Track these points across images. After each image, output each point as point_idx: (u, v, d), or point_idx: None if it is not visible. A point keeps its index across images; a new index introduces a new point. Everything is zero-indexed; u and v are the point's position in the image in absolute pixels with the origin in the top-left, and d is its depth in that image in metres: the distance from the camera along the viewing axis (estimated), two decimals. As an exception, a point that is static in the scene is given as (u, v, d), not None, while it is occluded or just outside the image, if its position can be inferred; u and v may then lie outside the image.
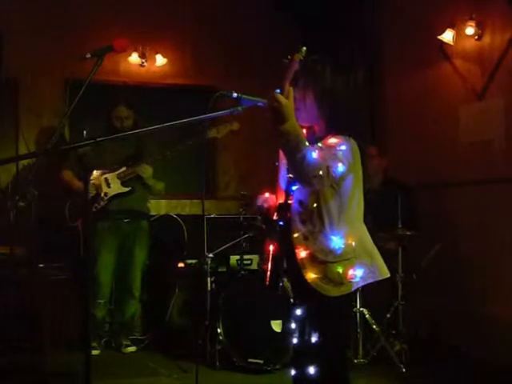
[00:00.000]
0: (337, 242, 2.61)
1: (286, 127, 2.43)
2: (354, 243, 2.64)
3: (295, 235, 2.66)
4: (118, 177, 5.30)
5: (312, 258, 2.63)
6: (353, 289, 2.65)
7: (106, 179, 5.30)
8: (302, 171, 2.49)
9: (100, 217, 5.22)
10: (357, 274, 2.63)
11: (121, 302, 5.44)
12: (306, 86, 2.70)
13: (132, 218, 5.38)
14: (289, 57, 2.66)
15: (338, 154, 2.52)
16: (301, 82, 2.73)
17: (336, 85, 2.68)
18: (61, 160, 5.37)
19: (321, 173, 2.45)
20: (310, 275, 2.62)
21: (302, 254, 2.64)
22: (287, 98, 2.46)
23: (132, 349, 5.33)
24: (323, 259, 2.61)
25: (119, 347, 5.34)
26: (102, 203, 5.25)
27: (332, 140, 2.60)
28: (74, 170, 5.28)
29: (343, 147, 2.55)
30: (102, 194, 5.26)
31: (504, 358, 4.72)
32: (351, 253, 2.63)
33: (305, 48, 2.66)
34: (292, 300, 2.83)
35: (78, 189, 5.21)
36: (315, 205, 2.62)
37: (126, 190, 5.32)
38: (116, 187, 5.31)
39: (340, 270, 2.61)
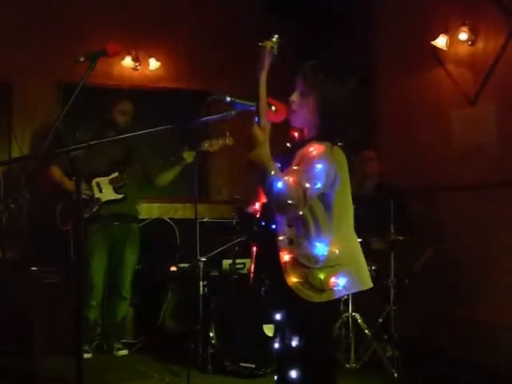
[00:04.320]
0: (320, 248, 2.60)
1: (251, 155, 2.52)
2: (337, 251, 2.62)
3: (280, 238, 2.66)
4: (110, 182, 5.27)
5: (295, 262, 2.62)
6: (335, 297, 2.64)
7: (97, 183, 5.24)
8: (271, 200, 2.57)
9: (91, 220, 5.19)
10: (339, 283, 2.61)
11: (112, 305, 5.42)
12: (307, 93, 2.71)
13: (122, 222, 5.36)
14: (260, 44, 2.64)
15: (314, 172, 2.55)
16: (300, 88, 2.73)
17: (336, 92, 2.69)
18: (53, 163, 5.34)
19: (290, 202, 2.50)
20: (292, 279, 2.61)
21: (286, 257, 2.64)
22: (263, 128, 2.54)
23: (124, 352, 5.31)
24: (306, 264, 2.61)
25: (111, 350, 5.32)
26: (93, 209, 5.19)
27: (312, 151, 2.61)
28: (63, 166, 5.19)
29: (319, 166, 2.56)
30: (94, 200, 5.21)
31: (496, 361, 4.73)
32: (334, 260, 2.62)
33: (277, 36, 2.65)
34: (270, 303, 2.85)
35: (69, 189, 5.14)
36: (301, 212, 2.62)
37: (119, 197, 5.28)
38: (108, 193, 5.26)
39: (322, 277, 2.60)
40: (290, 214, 2.60)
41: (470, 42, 5.18)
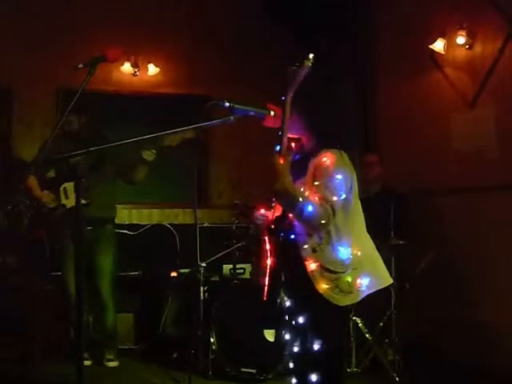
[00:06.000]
0: (344, 252, 2.67)
1: (276, 186, 2.53)
2: (359, 253, 2.71)
3: (304, 247, 2.70)
4: None
5: (322, 269, 2.68)
6: (360, 298, 2.72)
7: (64, 189, 5.04)
8: (304, 224, 2.63)
9: (61, 226, 4.95)
10: (363, 283, 2.69)
11: (98, 314, 5.22)
12: (293, 100, 2.71)
13: (93, 226, 5.05)
14: (297, 64, 2.63)
15: (336, 184, 2.61)
16: (289, 96, 2.73)
17: (324, 98, 2.72)
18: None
19: (323, 221, 2.57)
20: (322, 286, 2.66)
21: (312, 266, 2.68)
22: (284, 156, 2.55)
23: (113, 364, 5.10)
24: (333, 270, 2.67)
25: (100, 360, 5.10)
26: (58, 216, 4.97)
27: (325, 160, 2.64)
28: (40, 176, 5.07)
29: (339, 176, 2.62)
30: (60, 205, 4.99)
31: (497, 365, 4.72)
32: (358, 262, 2.70)
33: (312, 55, 2.64)
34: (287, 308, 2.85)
35: (38, 199, 5.01)
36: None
37: (84, 202, 5.09)
38: (74, 199, 5.09)
39: (349, 280, 2.67)
40: (323, 231, 2.65)
41: (467, 46, 5.18)
